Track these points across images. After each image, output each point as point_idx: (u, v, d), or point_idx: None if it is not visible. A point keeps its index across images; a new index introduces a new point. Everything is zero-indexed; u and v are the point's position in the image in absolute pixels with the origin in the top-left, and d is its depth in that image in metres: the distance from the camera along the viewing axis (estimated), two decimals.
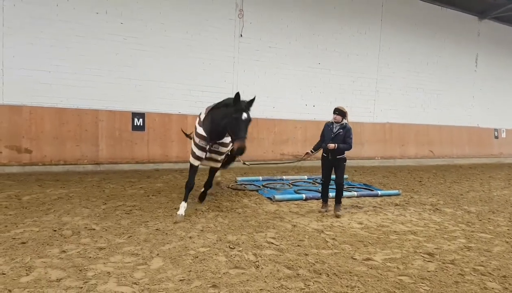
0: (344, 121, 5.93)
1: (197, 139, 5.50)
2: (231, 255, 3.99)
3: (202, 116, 5.62)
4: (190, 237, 4.51)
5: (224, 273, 3.56)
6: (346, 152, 5.94)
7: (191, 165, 5.63)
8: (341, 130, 5.86)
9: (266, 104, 11.22)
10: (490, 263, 4.15)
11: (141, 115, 9.63)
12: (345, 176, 9.32)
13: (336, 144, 5.76)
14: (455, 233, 5.27)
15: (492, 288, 3.51)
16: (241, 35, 10.61)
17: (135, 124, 9.59)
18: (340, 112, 5.89)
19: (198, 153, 5.51)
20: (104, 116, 9.19)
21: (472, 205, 7.17)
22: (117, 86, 9.35)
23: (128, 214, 5.38)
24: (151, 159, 9.59)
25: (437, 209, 6.70)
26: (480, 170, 12.99)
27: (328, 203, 6.24)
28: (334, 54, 12.21)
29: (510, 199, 7.91)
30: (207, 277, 3.47)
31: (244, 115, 4.91)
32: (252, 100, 5.17)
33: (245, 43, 10.73)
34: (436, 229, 5.42)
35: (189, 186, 5.56)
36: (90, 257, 3.79)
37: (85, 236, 4.40)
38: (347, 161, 6.20)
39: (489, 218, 6.20)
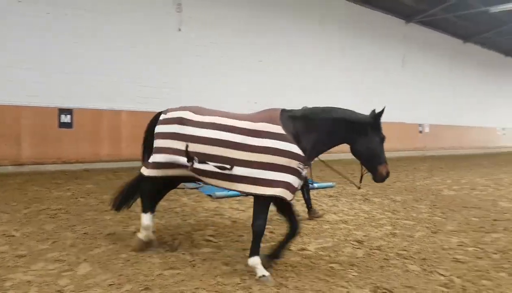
0: None
1: (295, 163, 3.38)
2: (166, 256, 3.88)
3: (277, 128, 3.41)
4: (122, 240, 4.31)
5: (157, 275, 3.45)
6: None
7: (271, 203, 3.55)
8: None
9: (207, 100, 11.04)
10: (412, 247, 4.48)
11: (68, 111, 9.04)
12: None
13: None
14: (382, 220, 5.62)
15: (413, 270, 3.79)
16: (180, 30, 10.36)
17: (62, 121, 8.98)
18: None
19: (297, 183, 3.43)
20: (27, 113, 8.48)
21: (398, 194, 7.70)
22: (42, 80, 8.66)
23: (53, 218, 5.03)
24: (80, 158, 9.05)
25: (367, 199, 7.11)
26: (406, 162, 14.02)
27: None
28: (276, 52, 12.39)
29: (432, 188, 8.62)
30: (139, 280, 3.34)
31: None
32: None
33: (186, 37, 10.50)
34: (365, 218, 5.74)
35: (262, 233, 3.57)
36: (9, 266, 3.48)
37: (3, 243, 4.03)
38: None
39: (412, 206, 6.70)
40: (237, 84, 11.62)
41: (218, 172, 3.46)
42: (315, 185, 7.91)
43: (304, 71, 13.15)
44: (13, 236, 4.27)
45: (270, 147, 3.31)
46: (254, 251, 3.45)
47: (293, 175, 3.34)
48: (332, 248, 4.34)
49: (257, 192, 3.34)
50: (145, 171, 3.90)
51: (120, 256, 3.86)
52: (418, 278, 3.60)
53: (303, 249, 4.26)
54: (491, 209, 6.70)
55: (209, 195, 6.71)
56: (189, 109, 3.77)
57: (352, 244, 4.53)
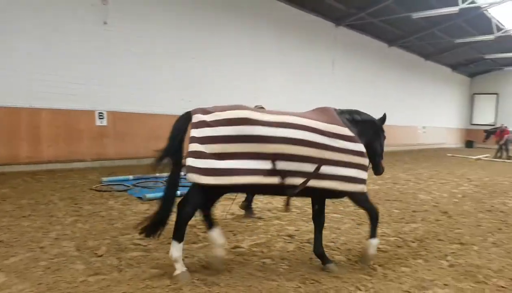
0: None
1: (367, 162, 3.82)
2: (90, 262, 3.67)
3: (348, 131, 3.63)
4: (42, 247, 3.99)
5: (81, 282, 3.25)
6: None
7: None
8: None
9: (137, 97, 10.67)
10: (339, 239, 4.72)
11: None
12: None
13: None
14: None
15: (339, 261, 3.99)
16: (106, 23, 9.83)
17: None
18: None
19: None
20: None
21: None
22: None
23: None
24: None
25: None
26: None
27: None
28: (208, 49, 12.25)
29: None
30: (61, 288, 3.12)
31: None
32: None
33: (111, 31, 9.97)
34: (297, 213, 5.92)
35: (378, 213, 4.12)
36: None
37: None
38: None
39: (340, 200, 6.98)
40: (168, 81, 11.32)
41: (305, 172, 3.40)
42: None
43: (236, 70, 13.19)
44: None
45: (353, 150, 3.58)
46: (375, 233, 3.93)
47: (367, 172, 3.78)
48: (265, 244, 4.41)
49: (348, 189, 3.68)
50: (203, 179, 3.25)
51: (39, 264, 3.58)
52: (343, 268, 3.79)
53: (236, 247, 4.28)
54: (411, 201, 7.28)
55: (139, 197, 6.45)
56: (244, 108, 3.37)
57: (284, 238, 4.65)
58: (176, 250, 3.36)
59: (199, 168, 3.24)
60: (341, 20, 16.88)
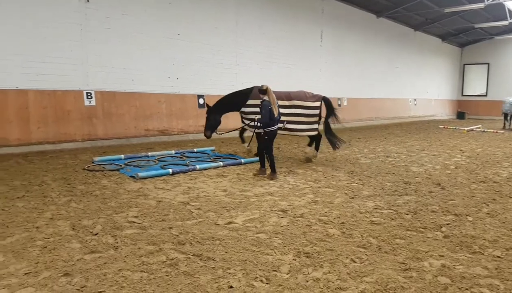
0: (265, 98, 6.53)
1: None
2: (86, 240, 3.70)
3: None
4: (37, 227, 4.01)
5: (78, 260, 3.29)
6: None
7: None
8: (260, 106, 6.64)
9: (124, 77, 10.50)
10: (332, 212, 4.78)
11: None
12: (211, 148, 9.55)
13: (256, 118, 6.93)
14: (305, 190, 5.91)
15: (333, 234, 4.05)
16: (88, 1, 9.55)
17: None
18: (259, 91, 6.67)
19: None
20: None
21: (319, 165, 8.11)
22: None
23: None
24: None
25: (291, 170, 7.39)
26: None
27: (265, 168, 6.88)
28: (194, 26, 12.03)
29: (350, 157, 9.22)
30: (58, 266, 3.16)
31: None
32: None
33: (93, 9, 9.70)
34: (290, 188, 5.98)
35: None
36: None
37: None
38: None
39: (332, 175, 7.11)
40: (154, 59, 11.11)
41: None
42: (242, 161, 8.05)
43: (223, 47, 12.95)
44: None
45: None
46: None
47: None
48: (258, 219, 4.47)
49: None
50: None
51: (35, 243, 3.62)
52: (337, 241, 3.85)
53: (230, 223, 4.33)
54: (404, 174, 7.36)
55: (132, 177, 6.46)
56: None
57: (277, 213, 4.70)
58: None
59: None
60: None
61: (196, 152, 9.13)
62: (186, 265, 3.22)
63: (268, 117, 6.48)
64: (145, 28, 10.80)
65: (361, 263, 3.37)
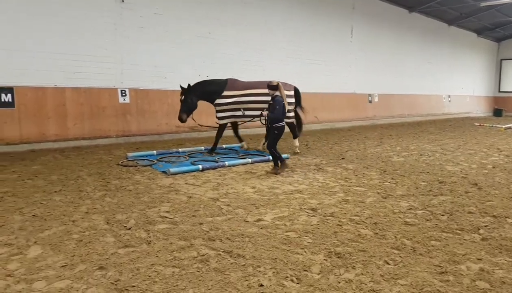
0: (276, 93, 6.71)
1: None
2: (120, 235, 3.80)
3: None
4: (73, 221, 4.15)
5: (112, 254, 3.37)
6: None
7: None
8: (272, 102, 6.74)
9: (157, 74, 10.72)
10: (364, 212, 4.67)
11: (8, 90, 8.41)
12: (241, 144, 9.53)
13: (267, 113, 6.80)
14: (335, 188, 5.81)
15: (366, 235, 3.94)
16: (123, 1, 9.80)
17: (3, 100, 8.37)
18: (269, 87, 6.77)
19: None
20: None
21: (350, 163, 7.97)
22: None
23: None
24: (24, 138, 8.51)
25: (320, 168, 7.29)
26: (357, 131, 14.49)
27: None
28: (224, 24, 12.10)
29: (381, 155, 9.00)
30: (93, 260, 3.25)
31: None
32: None
33: (128, 9, 9.95)
34: (319, 187, 5.90)
35: None
36: None
37: None
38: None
39: (363, 173, 6.96)
40: (185, 57, 11.27)
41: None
42: (271, 158, 8.02)
43: (251, 44, 12.96)
44: None
45: None
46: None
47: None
48: (287, 217, 4.43)
49: None
50: None
51: (71, 236, 3.74)
52: (370, 242, 3.76)
53: (259, 220, 4.32)
54: (438, 173, 7.10)
55: (164, 172, 6.58)
56: None
57: (307, 212, 4.65)
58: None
59: None
60: None
61: (225, 149, 9.20)
62: (216, 262, 3.24)
63: (281, 113, 6.67)
64: (176, 27, 10.97)
65: (395, 265, 3.27)
